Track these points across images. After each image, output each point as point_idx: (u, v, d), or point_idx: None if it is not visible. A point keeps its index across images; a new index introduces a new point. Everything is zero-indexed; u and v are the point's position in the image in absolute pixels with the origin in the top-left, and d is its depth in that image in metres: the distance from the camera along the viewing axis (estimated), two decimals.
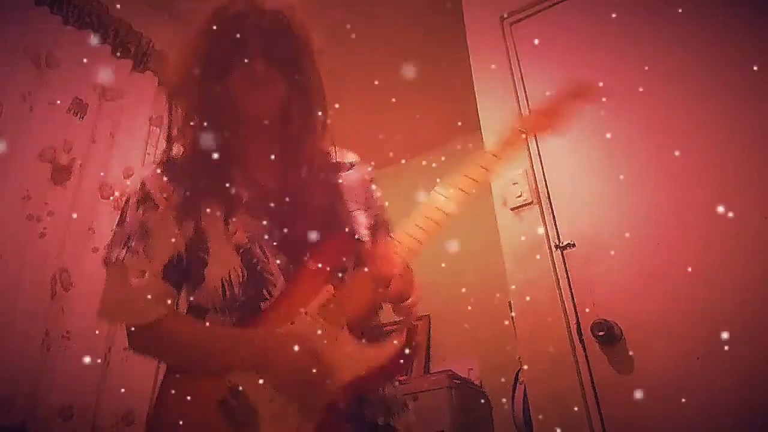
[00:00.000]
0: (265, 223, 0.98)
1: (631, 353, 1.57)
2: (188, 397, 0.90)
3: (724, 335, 1.45)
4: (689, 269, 1.56)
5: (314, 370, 0.86)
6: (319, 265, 0.95)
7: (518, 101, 2.05)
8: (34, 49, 1.97)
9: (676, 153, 1.68)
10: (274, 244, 0.97)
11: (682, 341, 1.51)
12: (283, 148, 1.06)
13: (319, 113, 1.06)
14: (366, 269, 0.93)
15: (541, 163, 1.93)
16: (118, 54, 2.33)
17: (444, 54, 2.78)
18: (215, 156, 0.99)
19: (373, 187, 1.18)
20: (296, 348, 0.87)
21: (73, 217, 1.99)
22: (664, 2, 1.88)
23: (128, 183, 2.23)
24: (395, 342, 0.91)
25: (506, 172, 1.96)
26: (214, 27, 0.99)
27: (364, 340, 0.92)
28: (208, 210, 0.98)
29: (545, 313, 1.72)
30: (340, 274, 0.96)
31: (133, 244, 0.97)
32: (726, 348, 1.44)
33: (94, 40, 2.22)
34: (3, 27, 1.90)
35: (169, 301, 1.00)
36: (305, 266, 0.96)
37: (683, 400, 1.46)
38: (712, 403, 1.43)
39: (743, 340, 1.43)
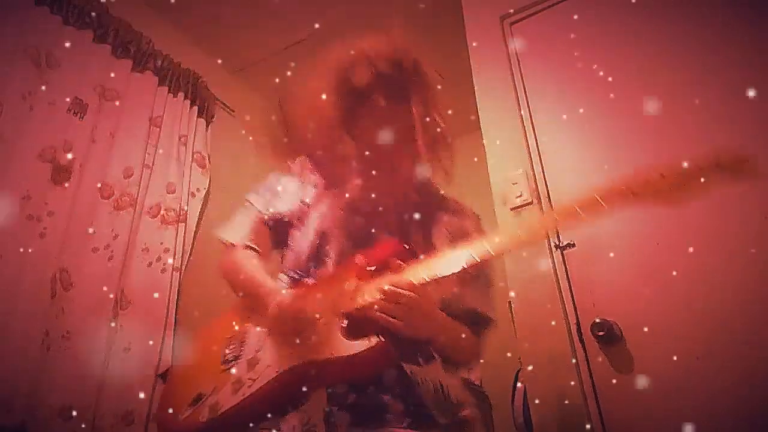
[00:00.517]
0: (346, 220, 1.18)
1: (631, 353, 1.57)
2: (221, 326, 1.17)
3: (724, 335, 1.45)
4: (689, 269, 1.56)
5: (297, 340, 1.00)
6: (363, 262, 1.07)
7: (518, 101, 2.05)
8: (34, 49, 1.97)
9: (678, 153, 1.68)
10: (345, 237, 1.16)
11: (682, 341, 1.51)
12: (390, 168, 1.17)
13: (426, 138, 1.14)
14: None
15: (541, 163, 1.93)
16: (118, 54, 2.33)
17: (444, 54, 2.78)
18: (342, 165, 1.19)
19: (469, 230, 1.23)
20: (291, 312, 1.03)
21: (72, 216, 1.99)
22: (664, 2, 1.88)
23: (127, 182, 2.23)
24: (363, 346, 0.95)
25: (506, 172, 1.97)
26: (337, 80, 1.13)
27: (348, 336, 0.99)
28: (321, 199, 1.23)
29: (545, 313, 1.71)
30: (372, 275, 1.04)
31: (262, 191, 1.29)
32: (726, 348, 1.44)
33: (94, 40, 2.22)
34: (3, 27, 1.90)
35: (265, 246, 1.24)
36: (352, 259, 1.09)
37: (683, 400, 1.46)
38: (712, 403, 1.43)
39: (743, 340, 1.43)
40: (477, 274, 1.16)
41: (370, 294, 0.98)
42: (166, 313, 2.22)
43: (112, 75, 2.27)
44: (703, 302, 1.52)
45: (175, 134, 2.54)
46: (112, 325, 2.04)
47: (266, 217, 1.24)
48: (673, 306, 1.56)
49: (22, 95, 1.90)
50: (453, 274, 0.96)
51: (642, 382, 1.53)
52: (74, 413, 1.82)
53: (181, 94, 2.61)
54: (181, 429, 1.02)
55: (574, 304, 1.70)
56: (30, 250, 1.82)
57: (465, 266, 0.95)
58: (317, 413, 0.99)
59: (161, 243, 2.31)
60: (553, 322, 1.70)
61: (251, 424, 0.99)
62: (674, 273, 1.58)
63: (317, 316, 1.01)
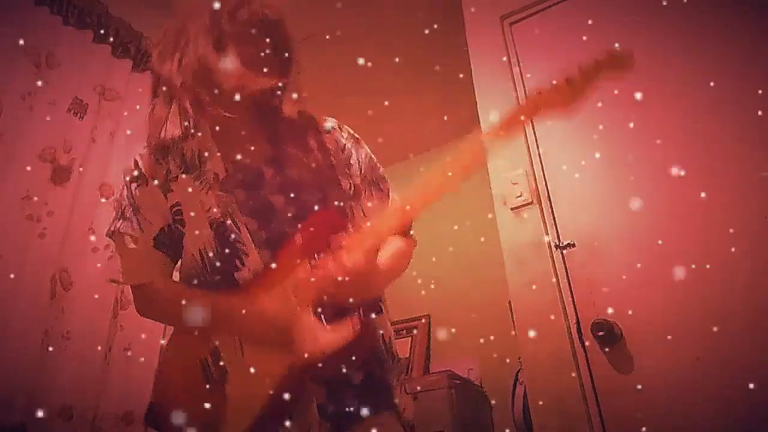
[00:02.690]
0: (239, 197, 1.05)
1: (631, 353, 1.57)
2: (181, 355, 1.07)
3: (724, 335, 1.45)
4: (689, 269, 1.56)
5: (277, 344, 0.95)
6: (301, 241, 0.99)
7: (518, 101, 2.04)
8: (34, 49, 1.97)
9: (677, 153, 1.69)
10: (249, 217, 1.04)
11: (682, 341, 1.51)
12: (264, 124, 1.12)
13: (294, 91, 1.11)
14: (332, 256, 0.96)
15: (541, 163, 1.93)
16: (118, 54, 2.33)
17: (444, 53, 2.78)
18: (198, 135, 1.09)
19: (347, 145, 1.18)
20: (261, 318, 0.96)
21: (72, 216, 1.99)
22: (664, 2, 1.88)
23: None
24: (345, 330, 0.93)
25: (506, 172, 1.97)
26: (216, 17, 1.04)
27: (324, 322, 0.95)
28: (184, 187, 1.07)
29: (545, 313, 1.72)
30: (316, 255, 0.98)
31: (127, 215, 1.10)
32: (726, 348, 1.44)
33: (94, 40, 2.22)
34: (3, 27, 1.90)
35: (165, 268, 1.11)
36: (290, 241, 1.00)
37: (683, 399, 1.46)
38: (712, 402, 1.43)
39: (743, 340, 1.43)
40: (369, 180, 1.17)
41: (318, 280, 0.94)
42: None
43: (112, 75, 2.27)
44: (703, 302, 1.52)
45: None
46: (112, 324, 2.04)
47: (145, 239, 1.08)
48: (673, 306, 1.56)
49: (22, 95, 1.90)
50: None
51: (642, 382, 1.53)
52: (74, 413, 1.82)
53: None
54: None
55: (574, 304, 1.70)
56: (30, 250, 1.82)
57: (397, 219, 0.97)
58: (313, 425, 0.96)
59: None
60: (553, 322, 1.70)
61: None
62: (674, 273, 1.58)
63: (283, 307, 0.96)
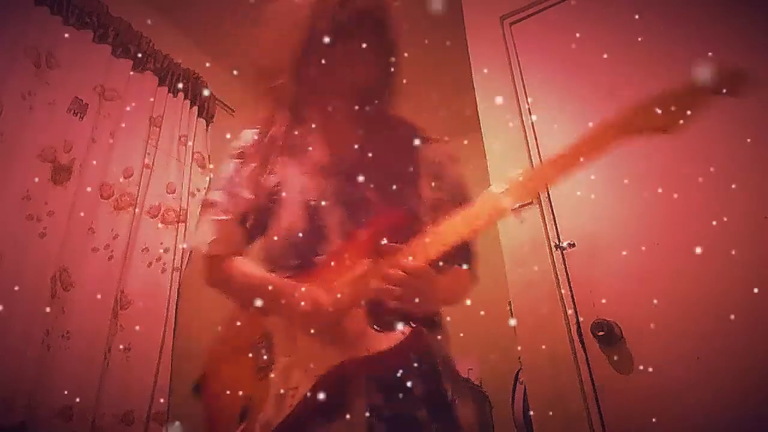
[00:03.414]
0: (335, 186, 1.08)
1: (631, 353, 1.57)
2: (238, 333, 1.10)
3: (725, 335, 1.45)
4: (689, 269, 1.56)
5: (327, 338, 0.96)
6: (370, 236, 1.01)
7: (518, 101, 2.05)
8: (34, 49, 1.97)
9: (677, 152, 1.69)
10: (341, 206, 1.06)
11: (682, 341, 1.51)
12: (365, 121, 1.16)
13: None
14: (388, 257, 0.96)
15: (541, 162, 1.93)
16: (118, 54, 2.33)
17: (444, 53, 2.78)
18: (304, 125, 1.14)
19: (441, 160, 1.20)
20: (316, 312, 0.95)
21: (73, 215, 1.99)
22: (664, 3, 1.88)
23: (127, 182, 2.23)
24: (394, 340, 0.92)
25: (506, 172, 1.96)
26: (318, 13, 1.08)
27: (375, 325, 0.95)
28: (285, 169, 1.12)
29: (545, 313, 1.72)
30: (380, 253, 0.98)
31: (223, 187, 1.15)
32: (726, 348, 1.44)
33: (94, 40, 2.22)
34: (3, 27, 1.90)
35: (244, 244, 1.14)
36: (357, 235, 1.02)
37: (683, 400, 1.46)
38: (712, 402, 1.43)
39: (743, 340, 1.43)
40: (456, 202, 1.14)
41: (378, 279, 0.94)
42: (166, 313, 2.22)
43: (112, 75, 2.27)
44: (703, 302, 1.52)
45: (175, 134, 2.54)
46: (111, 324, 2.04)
47: (234, 212, 1.13)
48: (673, 306, 1.56)
49: (22, 95, 1.90)
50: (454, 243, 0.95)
51: (642, 382, 1.53)
52: (74, 413, 1.82)
53: (181, 94, 2.61)
54: None
55: (574, 304, 1.70)
56: (30, 250, 1.82)
57: (463, 238, 0.95)
58: (360, 426, 0.95)
59: (161, 243, 2.31)
60: (553, 322, 1.70)
61: None
62: (674, 273, 1.58)
63: (340, 308, 0.96)
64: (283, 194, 1.09)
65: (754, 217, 1.54)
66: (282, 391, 0.97)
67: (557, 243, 1.79)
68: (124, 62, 2.34)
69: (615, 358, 1.58)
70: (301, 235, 1.05)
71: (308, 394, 0.94)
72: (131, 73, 2.36)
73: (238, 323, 1.12)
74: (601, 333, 1.57)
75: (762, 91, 1.62)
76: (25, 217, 1.83)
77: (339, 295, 0.96)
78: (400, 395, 0.97)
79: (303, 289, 0.98)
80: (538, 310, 1.73)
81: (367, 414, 0.95)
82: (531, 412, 1.68)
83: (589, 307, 1.67)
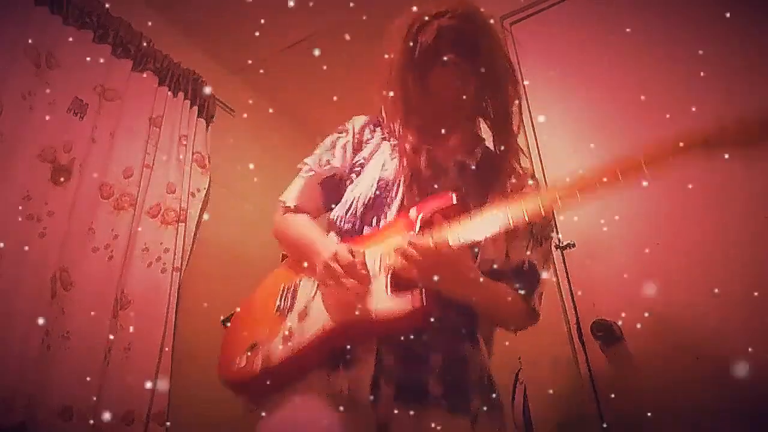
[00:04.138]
0: (411, 167, 1.15)
1: (631, 353, 1.57)
2: (275, 279, 1.23)
3: (725, 335, 1.45)
4: (689, 269, 1.56)
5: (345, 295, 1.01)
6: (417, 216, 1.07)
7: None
8: (34, 49, 1.97)
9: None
10: (413, 189, 1.14)
11: (682, 341, 1.51)
12: (457, 125, 1.24)
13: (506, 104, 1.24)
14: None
15: (541, 163, 1.93)
16: (118, 54, 2.33)
17: None
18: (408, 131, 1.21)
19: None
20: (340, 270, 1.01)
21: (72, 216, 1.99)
22: (664, 2, 1.88)
23: (127, 182, 2.23)
24: (405, 305, 0.97)
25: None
26: (416, 30, 1.18)
27: (390, 291, 1.01)
28: (376, 147, 1.25)
29: (545, 313, 1.71)
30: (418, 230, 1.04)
31: (319, 153, 1.31)
32: (726, 348, 1.44)
33: (94, 40, 2.22)
34: (3, 27, 1.90)
35: (319, 205, 1.29)
36: (406, 212, 1.09)
37: (683, 400, 1.46)
38: (712, 402, 1.43)
39: (743, 340, 1.43)
40: (530, 228, 1.15)
41: (401, 250, 0.99)
42: (166, 313, 2.22)
43: (112, 75, 2.27)
44: (703, 302, 1.52)
45: (175, 134, 2.54)
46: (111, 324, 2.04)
47: (320, 174, 1.27)
48: (673, 306, 1.56)
49: (22, 95, 1.90)
50: (489, 235, 0.97)
51: (642, 382, 1.53)
52: (74, 413, 1.82)
53: (181, 94, 2.61)
54: (237, 377, 1.08)
55: (574, 304, 1.70)
56: (30, 250, 1.82)
57: (498, 230, 0.96)
58: (365, 379, 0.99)
59: (161, 243, 2.31)
60: (553, 322, 1.70)
61: (301, 375, 1.03)
62: (674, 273, 1.58)
63: (363, 271, 1.02)
64: (367, 168, 1.21)
65: (754, 217, 1.54)
66: (287, 331, 1.06)
67: (557, 243, 1.79)
68: (124, 62, 2.34)
69: (615, 358, 1.58)
70: (362, 204, 1.15)
71: (313, 339, 1.01)
72: (131, 73, 2.37)
73: (282, 271, 1.25)
74: (601, 333, 1.57)
75: (761, 91, 1.62)
76: (25, 217, 1.83)
77: (368, 258, 1.04)
78: (413, 362, 1.02)
79: (339, 247, 1.04)
80: None
81: (373, 374, 0.99)
82: (531, 412, 1.68)
83: (589, 307, 1.67)
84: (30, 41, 1.96)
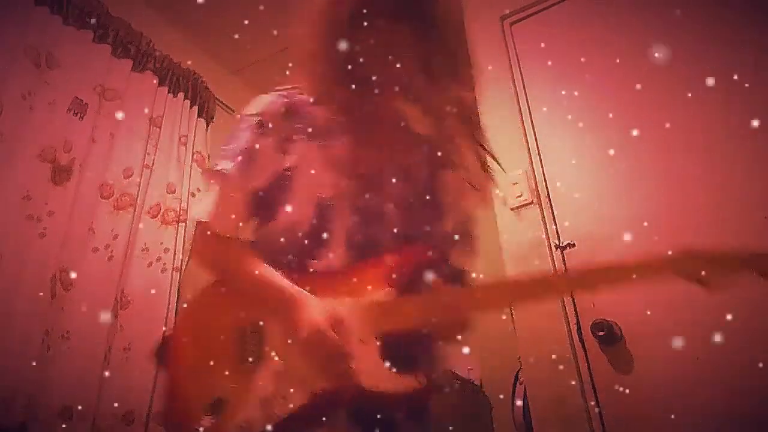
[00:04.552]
0: (354, 189, 0.97)
1: (631, 353, 1.57)
2: (213, 316, 0.98)
3: (725, 335, 1.45)
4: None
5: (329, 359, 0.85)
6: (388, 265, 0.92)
7: (518, 101, 2.05)
8: (34, 49, 1.97)
9: (677, 153, 1.69)
10: (354, 213, 0.96)
11: (682, 341, 1.51)
12: (399, 132, 1.02)
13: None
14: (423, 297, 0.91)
15: (541, 163, 1.93)
16: (118, 54, 2.33)
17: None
18: (333, 108, 1.00)
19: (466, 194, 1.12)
20: (320, 329, 0.84)
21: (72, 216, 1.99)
22: (664, 2, 1.88)
23: (127, 182, 2.23)
24: (408, 384, 0.86)
25: (506, 172, 1.96)
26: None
27: (387, 363, 0.87)
28: (303, 154, 0.99)
29: (545, 313, 1.72)
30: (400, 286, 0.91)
31: (239, 161, 1.00)
32: (726, 348, 1.44)
33: (94, 40, 2.22)
34: (3, 27, 1.90)
35: (241, 224, 1.03)
36: (376, 257, 0.93)
37: (683, 400, 1.46)
38: (712, 402, 1.43)
39: (743, 340, 1.43)
40: (462, 232, 1.07)
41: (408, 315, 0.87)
42: (166, 313, 2.22)
43: (112, 75, 2.27)
44: (703, 302, 1.52)
45: (175, 134, 2.54)
46: (111, 324, 2.04)
47: (242, 188, 1.01)
48: (673, 306, 1.55)
49: (22, 95, 1.90)
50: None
51: (642, 382, 1.53)
52: (74, 413, 1.82)
53: (181, 94, 2.61)
54: None
55: (574, 304, 1.70)
56: (30, 250, 1.82)
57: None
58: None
59: (161, 243, 2.31)
60: (553, 322, 1.70)
61: None
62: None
63: (351, 335, 0.86)
64: (300, 185, 0.97)
65: (755, 217, 1.54)
66: (267, 395, 0.87)
67: (557, 243, 1.79)
68: (124, 62, 2.34)
69: (615, 358, 1.58)
70: (300, 233, 0.95)
71: (298, 410, 0.85)
72: (131, 73, 2.36)
73: (220, 297, 1.00)
74: (601, 333, 1.57)
75: (761, 91, 1.63)
76: (25, 217, 1.83)
77: (354, 317, 0.87)
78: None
79: (316, 307, 0.87)
80: (538, 310, 1.73)
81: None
82: (531, 412, 1.68)
83: (589, 307, 1.67)
84: (30, 41, 1.96)
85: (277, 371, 0.89)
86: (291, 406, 0.85)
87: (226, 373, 0.91)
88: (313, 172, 0.97)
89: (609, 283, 0.93)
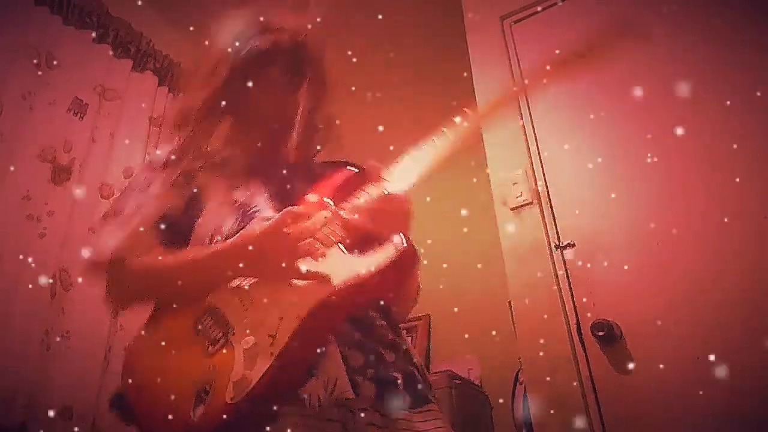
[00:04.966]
0: (265, 184, 1.07)
1: (631, 353, 1.57)
2: (164, 331, 0.96)
3: (724, 335, 1.45)
4: (689, 269, 1.56)
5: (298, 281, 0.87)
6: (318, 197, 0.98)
7: (518, 101, 2.04)
8: (34, 49, 1.97)
9: (678, 153, 1.69)
10: (274, 201, 1.03)
11: (682, 341, 1.51)
12: (283, 143, 1.12)
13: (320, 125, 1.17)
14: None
15: (541, 163, 1.93)
16: (118, 54, 2.33)
17: (444, 54, 2.78)
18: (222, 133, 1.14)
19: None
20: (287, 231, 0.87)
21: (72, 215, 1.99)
22: (664, 2, 1.88)
23: (127, 182, 2.23)
24: (384, 254, 0.89)
25: (506, 172, 1.97)
26: (239, 42, 1.14)
27: (355, 251, 0.92)
28: (207, 175, 1.09)
29: (545, 313, 1.71)
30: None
31: (134, 191, 1.08)
32: (726, 348, 1.44)
33: (94, 40, 2.22)
34: (3, 27, 1.90)
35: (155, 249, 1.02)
36: (303, 196, 0.99)
37: (683, 400, 1.46)
38: (712, 402, 1.43)
39: (743, 340, 1.43)
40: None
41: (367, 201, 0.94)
42: None
43: (112, 75, 2.27)
44: (703, 302, 1.52)
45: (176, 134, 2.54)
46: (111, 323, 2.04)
47: (144, 218, 1.03)
48: (673, 306, 1.56)
49: (22, 95, 1.90)
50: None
51: (642, 382, 1.53)
52: (74, 413, 1.82)
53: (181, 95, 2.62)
54: (202, 429, 0.81)
55: (574, 304, 1.70)
56: (30, 250, 1.82)
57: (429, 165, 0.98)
58: (341, 378, 0.87)
59: None
60: (553, 322, 1.70)
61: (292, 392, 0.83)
62: (674, 273, 1.58)
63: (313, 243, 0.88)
64: (212, 197, 1.05)
65: (754, 217, 1.54)
66: (253, 342, 0.83)
67: (557, 243, 1.79)
68: (124, 62, 2.34)
69: (615, 358, 1.58)
70: (232, 233, 0.97)
71: (292, 341, 0.82)
72: (131, 73, 2.37)
73: (161, 321, 0.99)
74: (601, 333, 1.57)
75: (761, 91, 1.62)
76: (25, 217, 1.83)
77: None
78: (377, 357, 0.93)
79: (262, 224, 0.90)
80: (538, 310, 1.73)
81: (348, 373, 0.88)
82: (531, 412, 1.68)
83: (589, 307, 1.67)
84: (30, 41, 1.96)
85: (251, 323, 0.87)
86: (282, 340, 0.83)
87: (198, 364, 0.87)
88: (220, 182, 1.07)
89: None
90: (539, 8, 2.14)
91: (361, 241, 0.93)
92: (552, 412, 1.61)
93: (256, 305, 0.88)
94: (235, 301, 0.90)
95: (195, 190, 1.06)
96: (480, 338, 2.92)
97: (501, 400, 2.49)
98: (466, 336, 2.96)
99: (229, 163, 1.11)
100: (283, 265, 0.86)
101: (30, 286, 1.79)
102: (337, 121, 1.24)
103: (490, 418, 2.66)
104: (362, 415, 0.88)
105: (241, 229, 0.96)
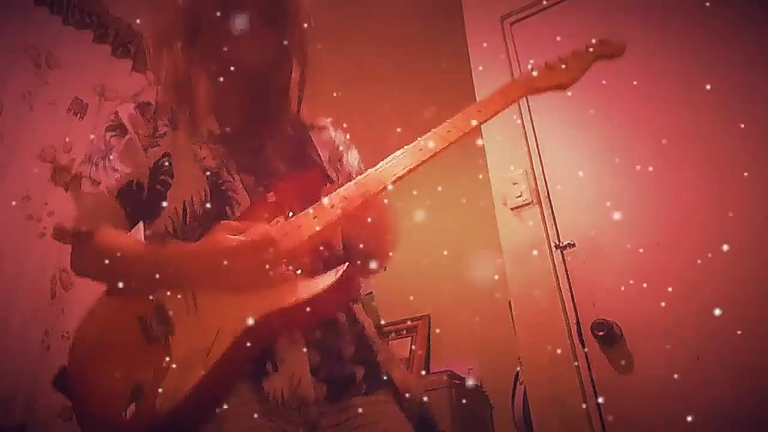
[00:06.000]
0: (235, 152, 1.02)
1: (631, 353, 1.57)
2: (112, 315, 0.94)
3: (724, 335, 1.45)
4: (689, 269, 1.56)
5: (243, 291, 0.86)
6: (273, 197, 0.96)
7: (518, 101, 2.04)
8: (34, 49, 1.97)
9: (677, 153, 1.69)
10: (242, 168, 1.01)
11: (681, 341, 1.51)
12: (260, 99, 1.09)
13: (297, 74, 1.12)
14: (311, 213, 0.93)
15: (541, 163, 1.93)
16: (118, 54, 2.33)
17: (444, 54, 2.78)
18: (192, 98, 1.04)
19: (340, 146, 1.19)
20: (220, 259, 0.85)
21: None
22: (664, 3, 1.88)
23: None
24: (330, 279, 0.88)
25: (506, 172, 1.97)
26: None
27: (299, 271, 0.89)
28: (174, 140, 1.02)
29: (545, 313, 1.72)
30: (290, 213, 0.94)
31: (94, 160, 1.01)
32: (725, 348, 1.44)
33: (94, 40, 2.22)
34: (3, 27, 1.90)
35: (120, 221, 0.99)
36: (266, 197, 0.96)
37: (683, 399, 1.46)
38: (712, 402, 1.43)
39: (743, 340, 1.43)
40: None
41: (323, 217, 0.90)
42: None
43: (112, 75, 2.27)
44: (702, 302, 1.52)
45: None
46: None
47: (107, 185, 0.98)
48: (673, 306, 1.56)
49: (22, 95, 1.90)
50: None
51: (642, 382, 1.53)
52: (74, 413, 1.82)
53: None
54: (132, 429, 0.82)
55: (574, 304, 1.70)
56: (30, 250, 1.82)
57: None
58: (305, 377, 0.88)
59: None
60: (553, 322, 1.70)
61: (223, 396, 0.84)
62: (674, 273, 1.58)
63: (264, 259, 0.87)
64: (181, 164, 0.99)
65: (755, 217, 1.54)
66: (189, 351, 0.84)
67: (557, 243, 1.79)
68: (124, 62, 2.34)
69: (615, 358, 1.58)
70: (198, 204, 0.96)
71: (228, 349, 0.82)
72: (131, 73, 2.36)
73: (111, 305, 0.97)
74: (601, 333, 1.57)
75: (762, 91, 1.63)
76: (25, 217, 1.83)
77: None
78: (336, 353, 0.93)
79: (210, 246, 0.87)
80: (538, 310, 1.73)
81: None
82: (531, 412, 1.68)
83: (589, 307, 1.67)
84: (30, 41, 1.96)
85: (190, 326, 0.87)
86: (218, 352, 0.83)
87: (136, 359, 0.88)
88: (188, 148, 1.00)
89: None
90: (539, 8, 2.14)
91: (319, 263, 0.93)
92: (552, 412, 1.61)
93: (199, 311, 0.88)
94: (181, 302, 0.89)
95: (163, 155, 1.01)
96: (480, 338, 2.92)
97: (501, 396, 2.49)
98: (466, 336, 2.96)
99: (204, 129, 1.04)
100: (240, 284, 0.87)
101: (30, 286, 1.79)
102: (329, 119, 1.23)
103: (490, 418, 2.66)
104: (317, 414, 0.89)
105: (211, 206, 0.96)
